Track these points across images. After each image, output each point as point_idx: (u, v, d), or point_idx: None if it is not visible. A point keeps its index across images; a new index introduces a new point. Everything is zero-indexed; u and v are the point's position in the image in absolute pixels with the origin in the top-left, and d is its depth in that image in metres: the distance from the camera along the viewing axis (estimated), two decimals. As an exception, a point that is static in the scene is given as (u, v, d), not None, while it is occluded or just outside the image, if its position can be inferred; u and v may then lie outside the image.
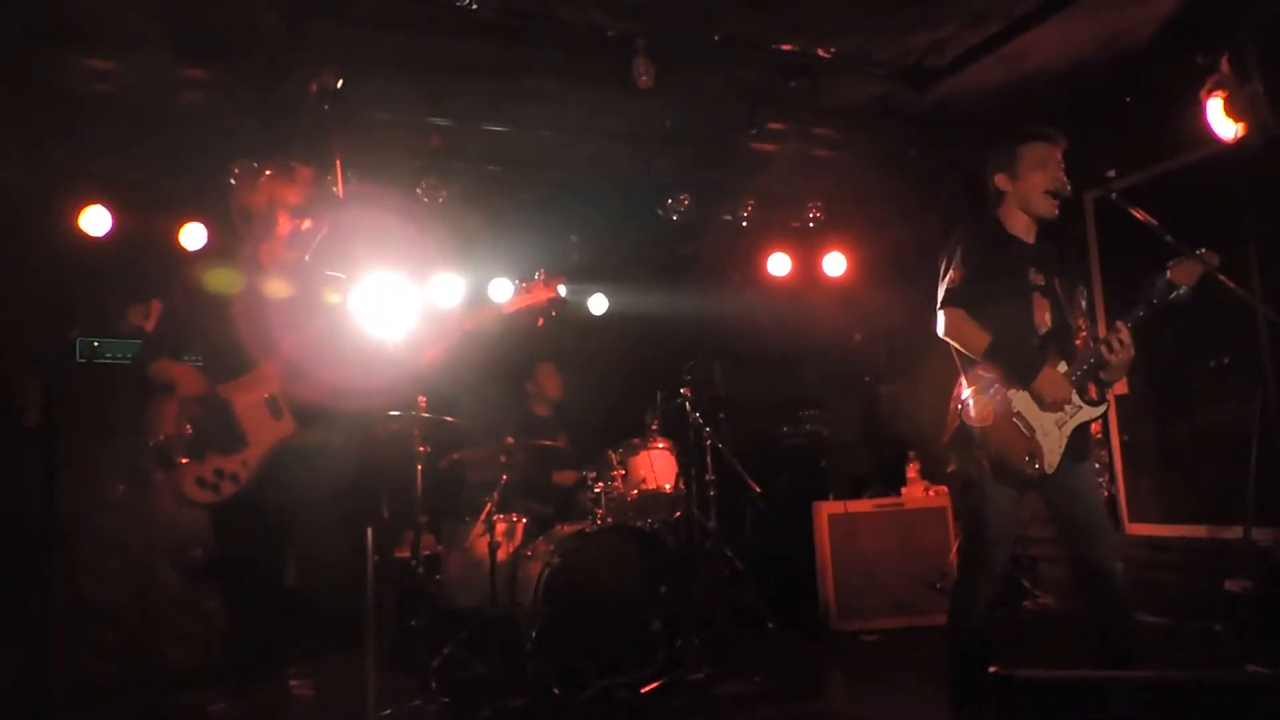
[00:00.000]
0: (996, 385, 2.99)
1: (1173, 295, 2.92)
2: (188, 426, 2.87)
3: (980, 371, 3.03)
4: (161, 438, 2.86)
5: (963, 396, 3.04)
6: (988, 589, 3.06)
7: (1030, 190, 3.10)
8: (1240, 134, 3.91)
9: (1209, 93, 3.96)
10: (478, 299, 5.74)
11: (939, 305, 3.12)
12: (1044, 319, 3.07)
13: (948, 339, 3.12)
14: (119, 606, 4.41)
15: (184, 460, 2.85)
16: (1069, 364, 3.01)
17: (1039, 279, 3.09)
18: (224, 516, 2.96)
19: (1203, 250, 2.95)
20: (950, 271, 3.11)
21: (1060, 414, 2.98)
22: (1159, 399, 4.57)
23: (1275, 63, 3.85)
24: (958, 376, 3.15)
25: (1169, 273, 2.94)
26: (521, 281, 3.52)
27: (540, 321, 3.49)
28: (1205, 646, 3.99)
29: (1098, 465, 3.19)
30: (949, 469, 3.18)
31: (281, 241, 3.07)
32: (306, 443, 2.98)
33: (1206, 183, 4.34)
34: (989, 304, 3.04)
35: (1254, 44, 3.89)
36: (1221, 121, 3.95)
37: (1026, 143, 3.12)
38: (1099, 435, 4.78)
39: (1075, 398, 2.99)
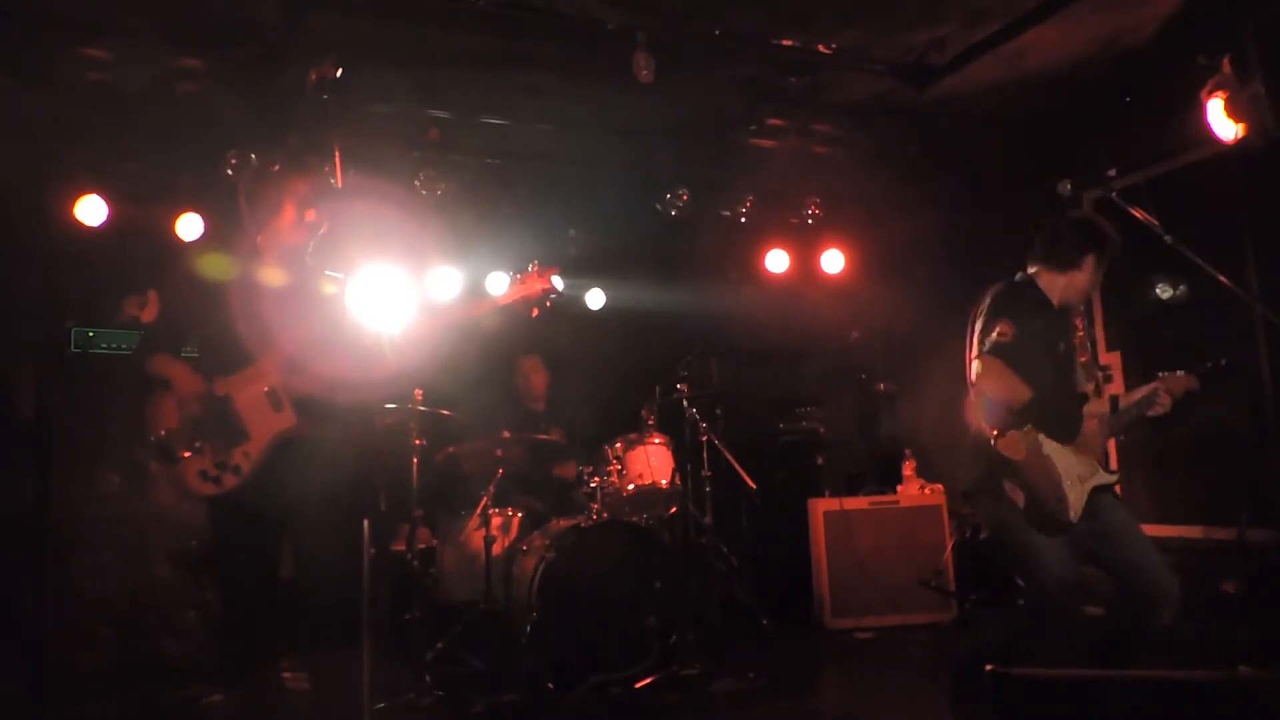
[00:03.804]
0: (1030, 426, 2.95)
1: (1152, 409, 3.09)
2: (187, 421, 2.89)
3: (1014, 409, 2.98)
4: (162, 433, 2.88)
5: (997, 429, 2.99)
6: (1048, 623, 2.96)
7: (1073, 294, 3.14)
8: (1241, 135, 3.91)
9: (1210, 93, 3.96)
10: (475, 292, 5.74)
11: (982, 353, 3.00)
12: (1080, 382, 3.10)
13: (983, 385, 3.00)
14: (113, 598, 4.38)
15: (186, 454, 2.87)
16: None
17: (1073, 343, 3.14)
18: (222, 508, 2.97)
19: (1183, 373, 3.10)
20: (1000, 325, 3.00)
21: (1082, 472, 2.99)
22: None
23: (1276, 64, 3.85)
24: (964, 377, 3.12)
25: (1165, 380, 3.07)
26: (516, 273, 3.52)
27: (535, 312, 3.49)
28: (1199, 646, 4.00)
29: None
30: (962, 489, 3.15)
31: (284, 229, 3.10)
32: (307, 435, 3.00)
33: (1206, 183, 4.33)
34: (1031, 368, 2.98)
35: (1255, 45, 3.89)
36: (1222, 122, 3.94)
37: (1094, 255, 3.11)
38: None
39: (1093, 460, 3.02)
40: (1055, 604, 2.96)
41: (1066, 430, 2.99)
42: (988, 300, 3.12)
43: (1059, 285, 3.13)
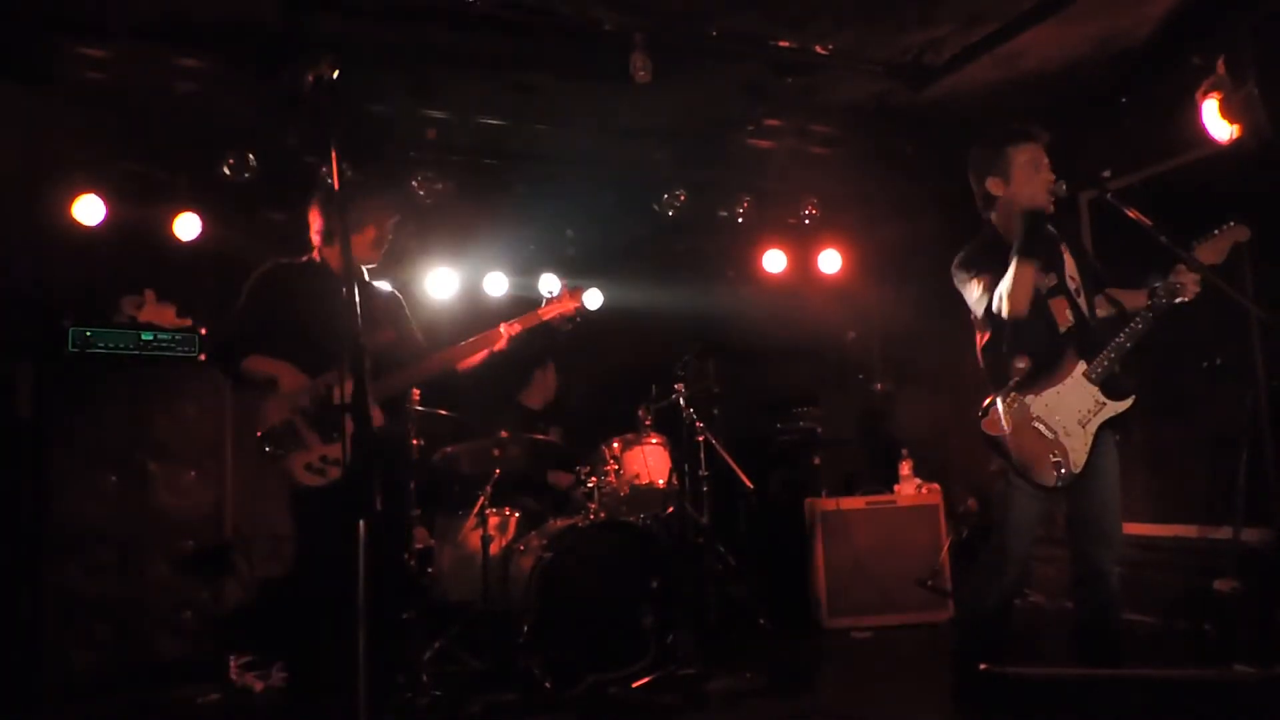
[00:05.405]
0: (1014, 393, 2.97)
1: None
2: (295, 417, 3.05)
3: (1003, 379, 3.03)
4: (268, 428, 3.03)
5: (984, 405, 3.02)
6: (1003, 580, 3.05)
7: (1028, 196, 3.04)
8: (1236, 135, 3.92)
9: (1205, 94, 3.97)
10: (474, 293, 5.75)
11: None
12: (1065, 318, 3.02)
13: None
14: (109, 598, 4.38)
15: (295, 448, 3.04)
16: (1089, 362, 2.98)
17: (1050, 280, 3.04)
18: (310, 501, 3.08)
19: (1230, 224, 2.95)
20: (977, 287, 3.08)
21: (1083, 413, 2.96)
22: (1150, 399, 4.58)
23: (1271, 64, 3.86)
24: (961, 377, 3.14)
25: (1197, 250, 2.93)
26: (550, 291, 3.69)
27: (568, 326, 3.65)
28: (1194, 646, 4.01)
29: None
30: (991, 467, 3.16)
31: (366, 243, 3.31)
32: (388, 433, 3.16)
33: (1201, 184, 4.35)
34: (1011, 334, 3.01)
35: (1251, 45, 3.90)
36: (1217, 123, 3.95)
37: (1015, 145, 3.05)
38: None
39: (1099, 394, 2.97)
40: (1006, 544, 3.04)
41: (1051, 376, 2.96)
42: (964, 256, 3.14)
43: (1016, 205, 3.04)
